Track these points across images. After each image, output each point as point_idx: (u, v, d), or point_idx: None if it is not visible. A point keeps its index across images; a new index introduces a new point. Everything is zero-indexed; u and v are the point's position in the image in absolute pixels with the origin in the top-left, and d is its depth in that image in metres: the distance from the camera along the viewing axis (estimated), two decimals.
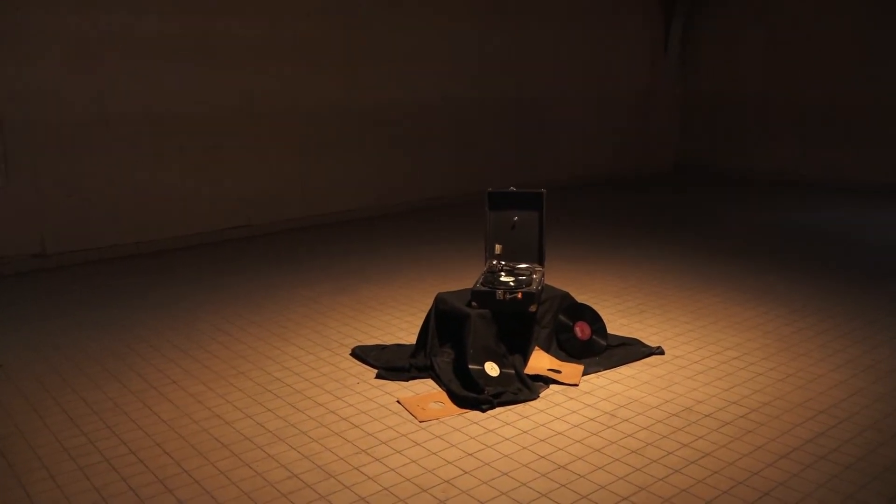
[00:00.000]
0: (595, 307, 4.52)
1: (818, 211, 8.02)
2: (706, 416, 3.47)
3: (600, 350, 4.16)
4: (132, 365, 4.13)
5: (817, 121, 9.32)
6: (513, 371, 3.81)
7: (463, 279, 5.47)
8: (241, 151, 6.92)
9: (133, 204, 6.42)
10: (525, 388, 3.72)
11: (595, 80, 9.66)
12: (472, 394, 3.62)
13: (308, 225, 7.40)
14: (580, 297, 4.54)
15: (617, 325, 4.61)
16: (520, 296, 3.91)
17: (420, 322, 4.41)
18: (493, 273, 4.17)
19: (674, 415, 3.48)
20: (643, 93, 10.30)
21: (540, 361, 3.96)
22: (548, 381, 3.84)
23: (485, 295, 3.95)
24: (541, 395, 3.71)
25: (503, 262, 4.26)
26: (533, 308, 3.95)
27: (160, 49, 6.35)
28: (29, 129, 5.87)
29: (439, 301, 4.14)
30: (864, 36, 8.82)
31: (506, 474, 2.96)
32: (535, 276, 4.13)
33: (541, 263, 4.29)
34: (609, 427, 3.36)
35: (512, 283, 4.02)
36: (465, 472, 2.98)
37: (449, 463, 3.05)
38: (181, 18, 6.43)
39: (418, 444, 3.21)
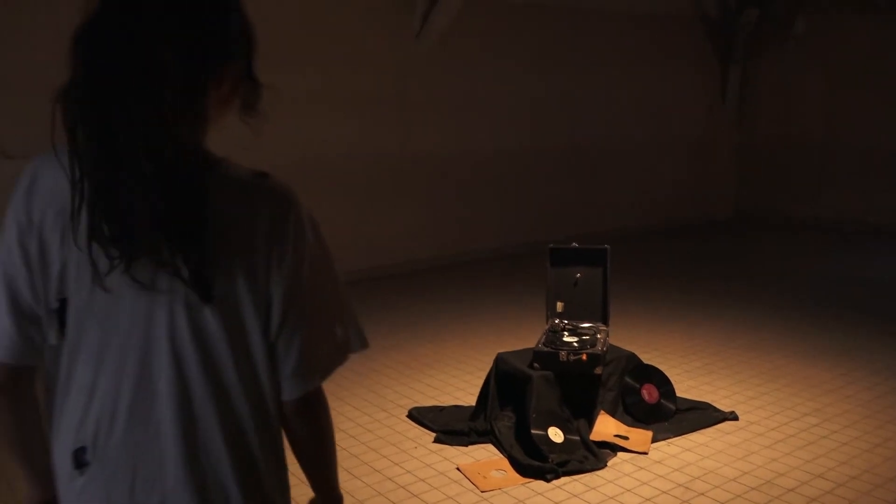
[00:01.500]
0: (660, 367, 4.32)
1: (887, 262, 7.67)
2: (789, 490, 3.24)
3: (669, 415, 3.96)
4: None
5: (883, 167, 8.99)
6: (578, 437, 3.63)
7: (523, 337, 5.31)
8: None
9: None
10: (591, 455, 3.54)
11: (652, 127, 9.52)
12: (536, 462, 3.45)
13: (361, 277, 7.33)
14: (644, 357, 4.35)
15: (684, 387, 4.40)
16: (584, 357, 3.74)
17: (478, 382, 4.27)
18: (555, 332, 4.02)
19: (754, 488, 3.25)
20: (701, 140, 10.11)
21: (606, 427, 3.78)
22: (615, 449, 3.65)
23: (548, 356, 3.80)
24: (608, 463, 3.52)
25: (566, 321, 4.11)
26: (598, 370, 3.78)
27: None
28: None
29: (500, 361, 4.00)
30: None
31: None
32: (599, 336, 3.96)
33: (605, 322, 4.13)
34: (684, 501, 3.15)
35: (576, 344, 3.86)
36: None
37: None
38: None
39: None
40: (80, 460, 1.18)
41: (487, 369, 4.49)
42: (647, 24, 9.20)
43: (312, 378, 1.23)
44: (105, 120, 1.06)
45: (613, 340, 4.32)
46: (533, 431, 3.58)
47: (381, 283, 7.26)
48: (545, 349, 3.82)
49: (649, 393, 3.99)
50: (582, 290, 4.19)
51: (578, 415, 3.81)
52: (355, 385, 4.55)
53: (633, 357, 4.08)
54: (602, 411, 3.86)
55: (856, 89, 9.13)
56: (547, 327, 4.11)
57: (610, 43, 8.92)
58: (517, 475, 3.43)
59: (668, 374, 4.19)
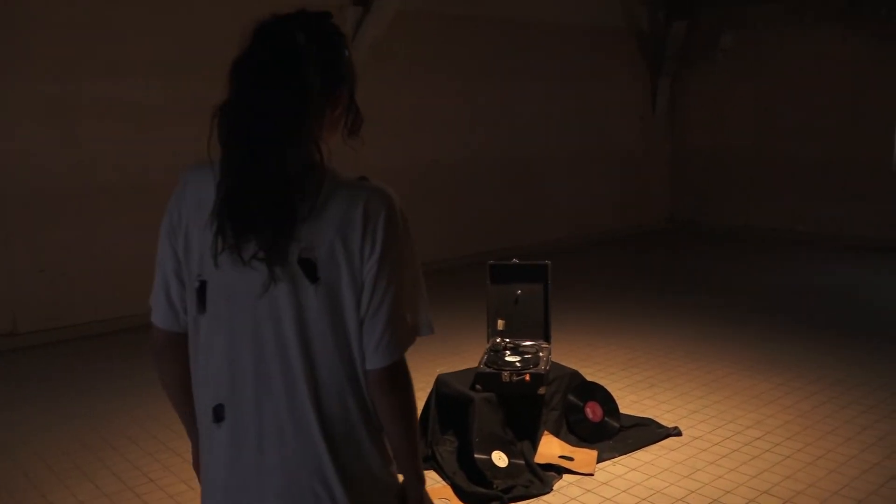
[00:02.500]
0: (602, 382, 4.26)
1: (818, 269, 7.84)
2: None
3: (613, 432, 3.88)
4: (106, 460, 3.79)
5: (811, 176, 9.23)
6: (522, 461, 3.52)
7: (462, 355, 5.19)
8: None
9: (113, 279, 6.12)
10: (537, 479, 3.42)
11: (587, 139, 9.55)
12: (480, 489, 3.32)
13: None
14: (585, 373, 4.27)
15: (627, 402, 4.33)
16: (528, 377, 3.63)
17: (418, 405, 4.11)
18: (496, 351, 3.90)
19: None
20: (634, 151, 10.21)
21: (550, 448, 3.67)
22: (560, 471, 3.54)
23: (490, 377, 3.67)
24: (554, 487, 3.41)
25: (507, 340, 4.00)
26: (542, 390, 3.68)
27: (147, 116, 6.15)
28: (1, 198, 5.61)
29: (440, 384, 3.86)
30: (855, 91, 8.80)
31: None
32: (541, 355, 3.86)
33: (547, 340, 4.04)
34: None
35: (518, 363, 3.75)
36: None
37: None
38: (172, 85, 6.24)
39: None
40: (218, 415, 1.42)
41: (427, 390, 4.34)
42: (581, 37, 9.25)
43: (394, 351, 1.40)
44: (252, 136, 1.31)
45: (555, 357, 4.23)
46: (476, 456, 3.45)
47: None
48: (487, 370, 3.70)
49: (593, 411, 3.90)
50: (523, 307, 4.08)
51: (522, 436, 3.69)
52: None
53: (576, 375, 3.99)
54: (546, 432, 3.76)
55: (784, 101, 9.36)
56: (488, 346, 3.99)
57: (546, 55, 8.93)
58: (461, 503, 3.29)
59: (610, 388, 4.12)
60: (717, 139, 10.08)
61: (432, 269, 8.07)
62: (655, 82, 10.19)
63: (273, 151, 1.31)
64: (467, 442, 3.54)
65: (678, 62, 10.08)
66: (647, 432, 3.92)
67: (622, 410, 4.05)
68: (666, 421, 4.07)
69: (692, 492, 3.33)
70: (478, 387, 3.69)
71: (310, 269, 1.35)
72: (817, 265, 8.01)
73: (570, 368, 4.02)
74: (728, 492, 3.32)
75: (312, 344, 1.37)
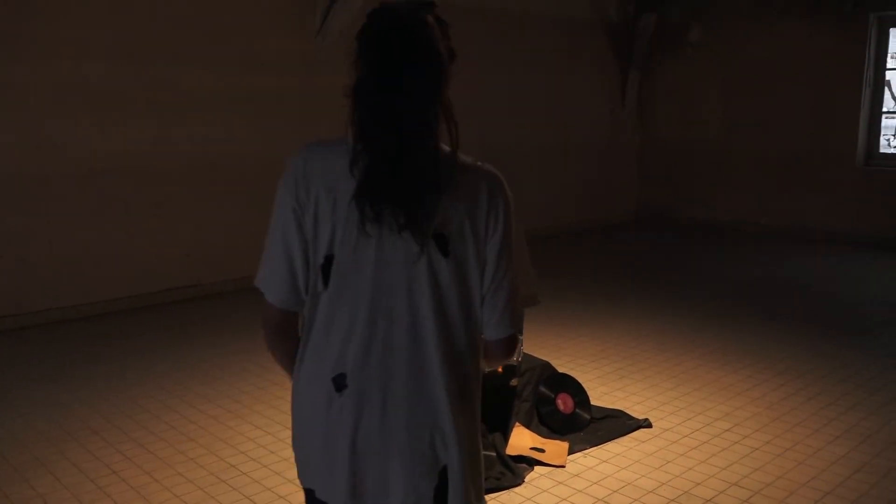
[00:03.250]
0: (572, 374, 4.25)
1: (782, 262, 7.94)
2: (707, 500, 3.19)
3: (584, 424, 3.87)
4: (66, 452, 3.68)
5: (775, 170, 9.34)
6: (494, 453, 3.48)
7: None
8: (190, 205, 6.53)
9: (72, 265, 5.96)
10: (508, 472, 3.40)
11: (557, 130, 9.54)
12: None
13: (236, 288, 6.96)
14: (556, 364, 4.26)
15: (598, 393, 4.33)
16: (500, 369, 3.60)
17: None
18: None
19: (672, 500, 3.19)
20: (603, 142, 10.23)
21: (522, 440, 3.65)
22: (532, 463, 3.52)
23: None
24: (526, 479, 3.39)
25: None
26: (514, 382, 3.66)
27: (106, 99, 5.98)
28: None
29: None
30: (820, 85, 8.91)
31: None
32: None
33: (519, 331, 4.00)
34: None
35: None
36: None
37: None
38: (131, 69, 6.08)
39: None
40: (339, 384, 1.48)
41: None
42: (550, 28, 9.21)
43: (515, 323, 1.56)
44: (395, 115, 1.38)
45: (525, 348, 4.21)
46: None
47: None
48: None
49: (564, 403, 3.89)
50: None
51: (493, 428, 3.66)
52: (256, 401, 4.26)
53: (547, 366, 3.98)
54: (517, 423, 3.74)
55: (750, 94, 9.44)
56: None
57: (514, 45, 8.88)
58: None
59: (580, 380, 4.11)
60: (684, 132, 10.14)
61: None
62: (625, 75, 10.20)
63: (424, 131, 1.41)
64: None
65: (647, 55, 10.11)
66: (617, 424, 3.91)
67: (593, 402, 4.05)
68: (636, 413, 4.07)
69: (663, 483, 3.33)
70: None
71: (443, 244, 1.45)
72: (782, 257, 8.11)
73: (541, 360, 4.00)
74: (698, 483, 3.33)
75: (445, 314, 1.48)
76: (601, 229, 9.86)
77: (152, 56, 6.18)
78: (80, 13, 5.78)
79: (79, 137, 5.90)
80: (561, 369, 4.55)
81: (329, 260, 1.46)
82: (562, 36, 9.38)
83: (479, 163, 1.53)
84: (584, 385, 4.04)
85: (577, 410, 3.90)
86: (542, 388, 3.88)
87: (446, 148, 1.47)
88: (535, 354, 4.31)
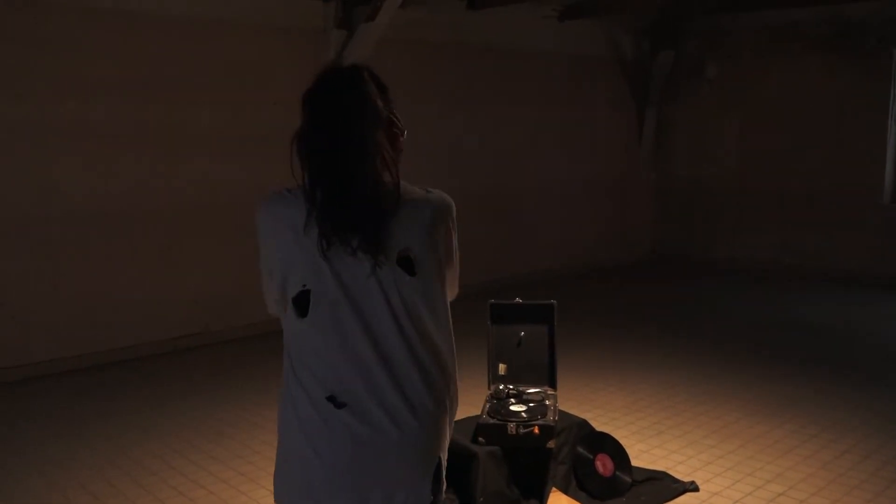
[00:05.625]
0: (605, 429, 3.97)
1: (807, 303, 7.64)
2: None
3: (626, 488, 3.58)
4: None
5: (796, 207, 9.09)
6: None
7: (462, 401, 4.87)
8: (198, 249, 6.30)
9: (76, 313, 5.71)
10: None
11: (572, 168, 9.33)
12: None
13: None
14: (587, 417, 3.97)
15: (635, 451, 4.04)
16: (537, 430, 3.33)
17: None
18: (499, 400, 3.59)
19: None
20: (620, 180, 10.02)
21: None
22: None
23: (494, 429, 3.36)
24: None
25: (510, 386, 3.69)
26: (551, 444, 3.37)
27: (112, 139, 5.78)
28: None
29: None
30: (842, 121, 8.71)
31: None
32: (548, 403, 3.56)
33: (552, 386, 3.73)
34: None
35: (524, 414, 3.44)
36: None
37: None
38: (136, 109, 5.89)
39: None
40: (336, 403, 1.60)
41: None
42: (565, 66, 9.07)
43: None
44: (338, 157, 1.59)
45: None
46: None
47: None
48: (491, 421, 3.39)
49: (603, 464, 3.60)
50: (526, 351, 3.78)
51: (528, 494, 3.38)
52: (269, 462, 3.96)
53: (584, 424, 3.69)
54: (554, 489, 3.45)
55: (769, 131, 9.24)
56: (489, 393, 3.68)
57: (530, 84, 8.72)
58: None
59: (615, 436, 3.82)
60: (702, 169, 9.93)
61: None
62: (641, 112, 10.04)
63: (364, 167, 1.59)
64: (471, 501, 3.22)
65: (663, 92, 9.95)
66: (661, 487, 3.62)
67: (632, 462, 3.76)
68: (679, 473, 3.78)
69: None
70: (481, 439, 3.38)
71: (408, 266, 1.63)
72: (806, 299, 7.82)
73: (578, 417, 3.72)
74: None
75: (417, 327, 1.65)
76: (618, 270, 9.59)
77: (160, 95, 6.00)
78: (86, 51, 5.62)
79: (84, 178, 5.69)
80: (593, 422, 4.27)
81: (303, 293, 1.62)
82: (577, 73, 9.23)
83: (428, 190, 1.72)
84: (620, 441, 3.76)
85: (618, 473, 3.61)
86: (580, 449, 3.59)
87: (390, 181, 1.63)
88: (564, 406, 4.03)
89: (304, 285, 1.61)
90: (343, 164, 1.59)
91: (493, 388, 3.69)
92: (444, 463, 1.74)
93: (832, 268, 8.79)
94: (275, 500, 1.71)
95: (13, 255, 5.43)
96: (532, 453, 3.39)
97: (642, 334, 6.53)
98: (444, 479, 1.76)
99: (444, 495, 1.76)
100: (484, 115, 8.32)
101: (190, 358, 5.97)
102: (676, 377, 5.31)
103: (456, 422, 3.59)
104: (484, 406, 3.55)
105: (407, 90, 7.61)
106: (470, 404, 4.63)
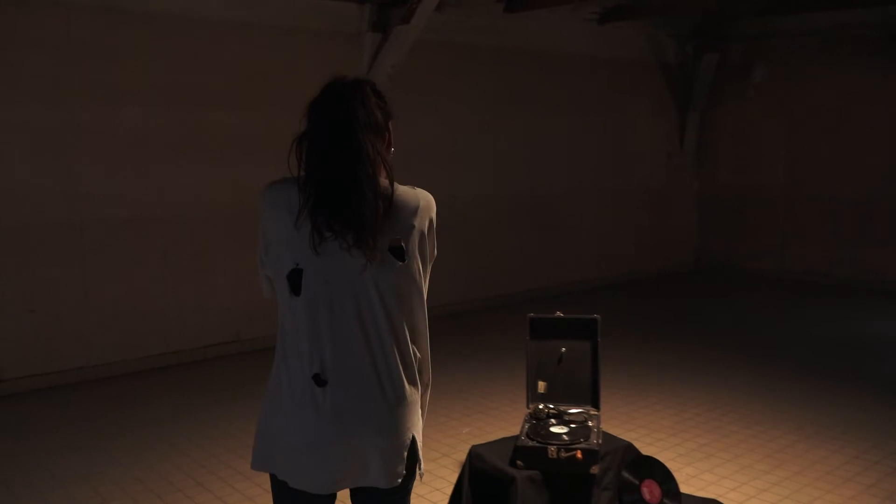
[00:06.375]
0: (650, 451, 3.75)
1: (864, 318, 7.29)
2: None
3: None
4: None
5: (848, 218, 8.73)
6: None
7: (490, 415, 4.69)
8: (231, 255, 6.18)
9: (107, 320, 5.63)
10: None
11: (612, 175, 9.08)
12: None
13: None
14: (628, 438, 3.75)
15: (683, 475, 3.80)
16: (579, 454, 3.11)
17: (450, 477, 3.60)
18: (539, 420, 3.38)
19: None
20: (661, 188, 9.74)
21: None
22: None
23: (534, 452, 3.15)
24: None
25: (550, 406, 3.48)
26: (595, 469, 3.15)
27: (144, 145, 5.70)
28: None
29: (474, 457, 3.33)
30: (895, 130, 8.35)
31: None
32: (591, 424, 3.34)
33: (595, 406, 3.51)
34: None
35: (566, 436, 3.23)
36: None
37: None
38: (170, 114, 5.81)
39: None
40: (319, 380, 1.77)
41: (453, 456, 3.87)
42: (606, 70, 8.84)
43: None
44: (337, 160, 1.75)
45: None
46: None
47: None
48: (530, 443, 3.18)
49: (650, 491, 3.36)
50: (567, 368, 3.57)
51: None
52: None
53: (630, 448, 3.46)
54: None
55: (818, 138, 8.90)
56: (528, 413, 3.47)
57: (570, 88, 8.51)
58: None
59: (661, 459, 3.58)
60: (747, 177, 9.60)
61: (450, 312, 7.55)
62: (684, 117, 9.75)
63: (363, 169, 1.73)
64: None
65: (707, 97, 9.65)
66: None
67: (681, 488, 3.51)
68: (733, 502, 3.53)
69: None
70: (519, 463, 3.17)
71: (399, 254, 1.79)
72: (861, 314, 7.46)
73: (623, 440, 3.49)
74: None
75: (403, 312, 1.82)
76: (659, 280, 9.31)
77: (190, 100, 5.91)
78: (116, 55, 5.55)
79: (114, 185, 5.61)
80: (636, 444, 4.04)
81: (296, 271, 1.76)
82: (616, 78, 8.99)
83: (414, 188, 1.87)
84: (667, 465, 3.52)
85: (665, 500, 3.37)
86: (626, 475, 3.36)
87: (386, 183, 1.79)
88: (606, 425, 3.81)
89: (297, 264, 1.75)
90: (342, 167, 1.73)
91: (531, 407, 3.49)
92: (420, 443, 1.87)
93: (888, 280, 8.41)
94: (252, 467, 1.86)
95: (45, 261, 5.37)
96: (574, 479, 3.17)
97: (686, 349, 6.26)
98: (421, 458, 1.88)
99: (420, 472, 1.89)
100: (521, 120, 8.11)
101: (220, 366, 5.85)
102: (724, 395, 5.04)
103: (493, 443, 3.43)
104: (522, 427, 3.35)
105: (442, 94, 7.47)
106: (507, 421, 4.46)
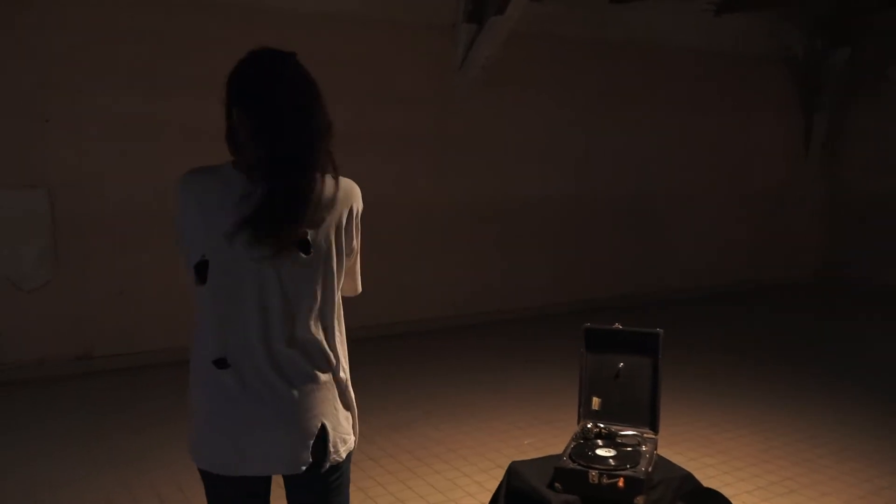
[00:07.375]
0: (724, 480, 3.38)
1: None
2: None
3: None
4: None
5: None
6: None
7: (555, 426, 4.42)
8: None
9: (186, 304, 5.75)
10: None
11: (725, 178, 8.52)
12: None
13: (371, 335, 6.42)
14: (701, 465, 3.40)
15: None
16: (621, 483, 2.82)
17: (491, 485, 3.39)
18: (586, 440, 3.10)
19: None
20: (780, 193, 9.04)
21: None
22: None
23: (573, 475, 2.88)
24: None
25: (601, 425, 3.19)
26: (639, 501, 2.85)
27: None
28: (81, 218, 5.36)
29: (512, 474, 3.10)
30: None
31: None
32: (643, 449, 3.03)
33: (654, 429, 3.19)
34: None
35: (612, 461, 2.94)
36: None
37: None
38: None
39: None
40: (220, 364, 1.77)
41: (491, 471, 3.64)
42: (720, 64, 8.28)
43: (359, 285, 2.06)
44: (291, 153, 1.72)
45: (662, 449, 3.39)
46: None
47: (395, 343, 6.42)
48: (571, 465, 2.92)
49: None
50: (625, 385, 3.27)
51: None
52: None
53: (689, 478, 3.12)
54: None
55: None
56: (577, 430, 3.20)
57: (678, 83, 8.03)
58: None
59: (734, 490, 3.27)
60: (880, 182, 8.75)
61: (533, 316, 7.29)
62: (809, 117, 9.01)
63: (309, 163, 1.72)
64: None
65: (837, 95, 8.87)
66: None
67: None
68: None
69: None
70: (557, 485, 2.91)
71: (304, 246, 1.74)
72: None
73: (682, 470, 3.15)
74: None
75: (305, 300, 1.77)
76: (772, 293, 8.63)
77: None
78: (208, 47, 5.63)
79: None
80: (710, 475, 3.70)
81: (203, 263, 1.74)
82: (732, 73, 8.41)
83: (339, 179, 1.82)
84: (739, 498, 3.18)
85: None
86: None
87: (328, 176, 1.79)
88: (677, 449, 3.48)
89: (203, 255, 1.73)
90: (295, 161, 1.71)
91: (581, 424, 3.21)
92: (333, 432, 1.81)
93: None
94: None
95: (134, 246, 5.55)
96: None
97: (792, 372, 5.71)
98: (338, 448, 1.83)
99: (338, 459, 1.83)
100: (625, 117, 7.72)
101: None
102: (824, 427, 4.52)
103: (535, 460, 3.18)
104: (568, 445, 3.08)
105: (539, 88, 7.20)
106: (563, 433, 4.18)
